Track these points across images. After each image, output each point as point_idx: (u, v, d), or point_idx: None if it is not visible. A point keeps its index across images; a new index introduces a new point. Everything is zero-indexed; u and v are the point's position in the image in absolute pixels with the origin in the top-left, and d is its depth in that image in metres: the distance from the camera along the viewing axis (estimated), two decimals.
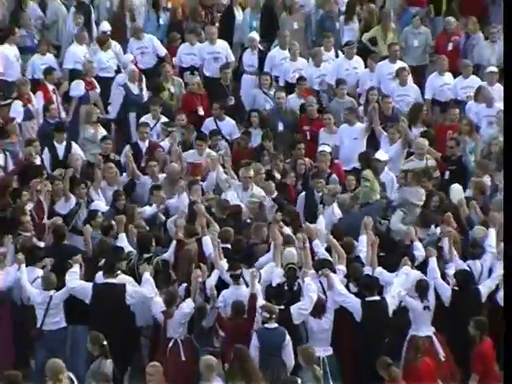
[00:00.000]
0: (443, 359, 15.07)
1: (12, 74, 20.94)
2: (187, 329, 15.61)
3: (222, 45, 21.61)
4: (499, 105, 19.69)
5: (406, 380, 14.12)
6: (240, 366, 14.19)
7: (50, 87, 20.34)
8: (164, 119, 19.98)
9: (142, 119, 19.79)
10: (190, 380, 14.77)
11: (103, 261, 16.09)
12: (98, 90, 20.66)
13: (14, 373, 14.22)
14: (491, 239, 16.21)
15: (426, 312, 15.13)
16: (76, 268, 15.70)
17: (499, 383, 14.38)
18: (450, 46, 21.67)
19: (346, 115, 19.38)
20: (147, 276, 15.65)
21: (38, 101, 20.13)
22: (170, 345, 15.26)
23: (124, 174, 18.69)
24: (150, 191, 17.92)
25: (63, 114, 19.99)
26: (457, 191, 18.08)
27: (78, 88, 20.51)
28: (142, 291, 15.62)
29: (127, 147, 19.19)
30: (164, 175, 18.46)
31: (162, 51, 21.72)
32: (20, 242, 16.22)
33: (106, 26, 22.09)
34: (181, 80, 21.19)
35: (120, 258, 15.83)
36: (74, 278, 15.67)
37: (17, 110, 19.62)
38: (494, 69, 20.43)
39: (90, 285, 15.60)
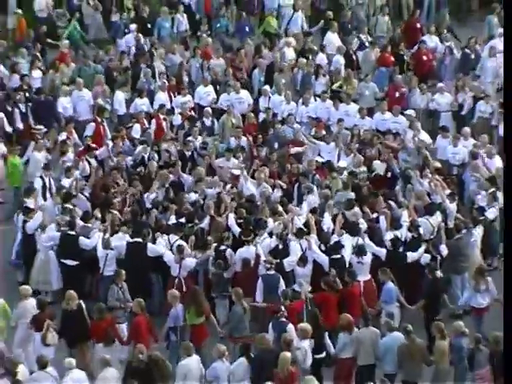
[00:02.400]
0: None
1: (120, 110, 22.89)
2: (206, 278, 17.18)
3: (245, 93, 23.16)
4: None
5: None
6: (192, 299, 16.04)
7: (162, 117, 22.07)
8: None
9: (188, 138, 21.19)
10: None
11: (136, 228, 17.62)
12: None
13: (42, 297, 16.35)
14: (405, 216, 18.01)
15: (360, 265, 16.72)
16: (122, 234, 17.54)
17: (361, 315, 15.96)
18: (398, 94, 23.11)
19: (327, 138, 21.04)
20: (160, 240, 17.38)
21: (152, 126, 21.98)
22: (176, 281, 16.90)
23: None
24: (194, 183, 19.36)
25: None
26: (379, 166, 20.14)
27: (177, 119, 22.23)
28: (156, 248, 17.36)
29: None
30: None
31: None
32: (111, 217, 18.00)
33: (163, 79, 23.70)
34: (239, 115, 22.41)
35: (180, 230, 17.56)
36: (118, 240, 17.38)
37: (137, 130, 21.53)
38: (412, 112, 21.90)
39: (125, 243, 17.47)
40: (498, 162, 19.99)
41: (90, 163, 20.27)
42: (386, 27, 26.90)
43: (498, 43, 23.54)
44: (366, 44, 25.33)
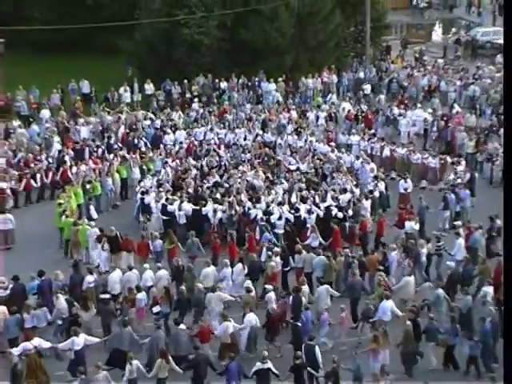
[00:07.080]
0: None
1: (199, 138, 25.60)
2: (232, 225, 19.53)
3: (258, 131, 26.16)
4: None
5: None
6: (167, 235, 18.38)
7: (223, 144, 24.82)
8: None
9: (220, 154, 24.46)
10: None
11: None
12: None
13: (100, 228, 17.60)
14: (329, 197, 20.36)
15: (309, 219, 19.34)
16: (186, 202, 19.83)
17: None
18: (330, 135, 25.82)
19: (294, 154, 23.87)
20: (209, 204, 19.62)
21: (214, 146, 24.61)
22: (212, 226, 19.59)
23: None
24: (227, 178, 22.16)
25: None
26: (317, 162, 22.74)
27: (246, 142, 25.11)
28: (206, 209, 19.59)
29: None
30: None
31: None
32: (182, 194, 20.67)
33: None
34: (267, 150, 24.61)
35: (218, 201, 20.21)
36: (187, 205, 19.75)
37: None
38: (333, 143, 25.01)
39: (190, 208, 19.69)
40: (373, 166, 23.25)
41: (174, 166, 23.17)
42: (383, 101, 30.66)
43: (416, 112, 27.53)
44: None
